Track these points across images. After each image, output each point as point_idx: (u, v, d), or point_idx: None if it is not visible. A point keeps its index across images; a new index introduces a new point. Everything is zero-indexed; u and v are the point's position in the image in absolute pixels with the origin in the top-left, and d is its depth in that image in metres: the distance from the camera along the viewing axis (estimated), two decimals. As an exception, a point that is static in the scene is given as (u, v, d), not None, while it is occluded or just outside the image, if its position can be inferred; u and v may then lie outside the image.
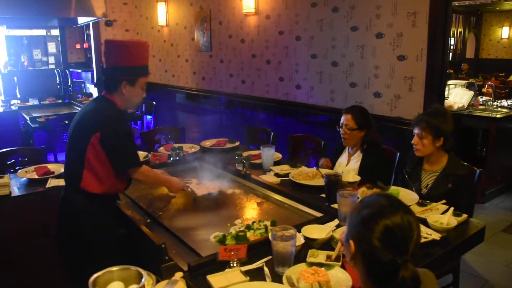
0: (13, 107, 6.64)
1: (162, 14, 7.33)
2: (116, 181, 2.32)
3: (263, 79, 5.45)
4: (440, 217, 2.05)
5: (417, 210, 2.22)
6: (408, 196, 2.40)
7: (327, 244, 1.89)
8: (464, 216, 2.13)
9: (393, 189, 2.41)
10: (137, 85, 2.33)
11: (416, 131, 2.61)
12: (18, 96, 10.68)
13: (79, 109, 5.92)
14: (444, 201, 2.31)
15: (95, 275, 1.32)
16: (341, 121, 3.05)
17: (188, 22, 6.79)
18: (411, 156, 2.77)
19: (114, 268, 1.36)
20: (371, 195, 1.33)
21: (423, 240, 1.86)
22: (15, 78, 12.02)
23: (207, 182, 2.84)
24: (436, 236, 1.91)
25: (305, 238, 1.87)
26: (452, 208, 2.13)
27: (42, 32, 15.40)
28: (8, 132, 6.12)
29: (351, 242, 1.21)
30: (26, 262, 2.74)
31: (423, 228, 1.97)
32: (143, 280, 1.30)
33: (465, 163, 2.62)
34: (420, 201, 2.33)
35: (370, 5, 3.98)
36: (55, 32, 13.69)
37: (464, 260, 3.51)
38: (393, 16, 3.81)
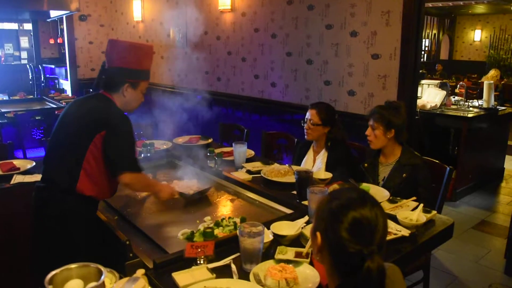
0: (-19, 103, 6.45)
1: (137, 10, 7.23)
2: (108, 185, 2.19)
3: (239, 76, 5.42)
4: (409, 214, 2.06)
5: (387, 207, 2.22)
6: (379, 193, 2.40)
7: (296, 241, 1.86)
8: (434, 212, 2.14)
9: (364, 186, 2.41)
10: (138, 89, 2.24)
11: (370, 122, 2.69)
12: (-12, 91, 10.41)
13: (61, 104, 5.82)
14: (414, 198, 2.32)
15: (52, 273, 1.27)
16: (306, 116, 3.05)
17: (164, 18, 6.71)
18: (368, 152, 2.84)
19: (73, 266, 1.31)
20: (340, 188, 1.31)
21: (392, 236, 1.87)
22: (-14, 73, 11.71)
23: (177, 181, 2.78)
24: (406, 232, 1.91)
25: (274, 234, 1.84)
26: (421, 205, 2.14)
27: (14, 26, 14.99)
28: (-24, 127, 5.94)
29: (318, 234, 1.20)
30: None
31: (393, 224, 1.97)
32: (102, 277, 1.25)
33: (418, 154, 2.69)
34: (390, 198, 2.33)
35: (345, 4, 3.99)
36: (28, 26, 13.35)
37: (434, 257, 3.56)
38: (367, 14, 3.82)
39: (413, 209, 2.16)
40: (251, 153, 3.31)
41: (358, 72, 3.99)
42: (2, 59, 14.42)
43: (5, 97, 7.13)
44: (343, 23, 4.05)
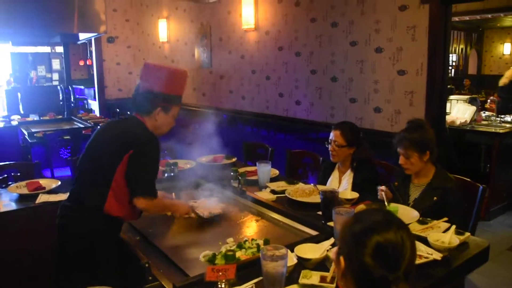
0: (13, 123, 6.61)
1: (163, 31, 7.35)
2: (135, 207, 2.16)
3: (263, 95, 5.40)
4: (441, 236, 1.96)
5: (417, 228, 2.13)
6: (408, 213, 2.30)
7: (321, 264, 1.79)
8: (467, 234, 2.03)
9: (392, 206, 2.32)
10: (170, 113, 2.24)
11: (400, 150, 2.55)
12: (22, 112, 10.70)
13: (88, 124, 5.93)
14: (445, 218, 2.22)
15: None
16: (330, 137, 2.96)
17: (189, 39, 6.80)
18: (398, 171, 2.72)
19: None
20: (364, 210, 1.25)
21: (423, 260, 1.77)
22: (19, 94, 12.08)
23: (201, 200, 2.74)
24: (437, 256, 1.81)
25: (298, 258, 1.78)
26: (454, 226, 2.03)
27: (46, 49, 15.51)
28: (8, 147, 6.09)
29: (341, 258, 1.14)
30: (12, 279, 2.65)
31: (423, 247, 1.88)
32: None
33: (452, 176, 2.56)
34: (420, 218, 2.23)
35: (369, 20, 3.95)
36: (60, 49, 13.79)
37: (468, 280, 3.39)
38: (393, 30, 3.76)
39: (445, 231, 2.06)
40: (276, 172, 3.25)
41: (384, 88, 3.92)
42: (35, 80, 14.88)
43: (36, 117, 7.29)
44: (368, 40, 4.00)
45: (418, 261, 1.76)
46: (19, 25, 4.61)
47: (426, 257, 1.80)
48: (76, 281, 2.02)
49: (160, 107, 2.20)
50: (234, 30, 5.73)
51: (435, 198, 2.45)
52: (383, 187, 2.52)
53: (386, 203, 2.48)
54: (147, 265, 1.68)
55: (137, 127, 2.19)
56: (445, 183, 2.48)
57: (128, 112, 5.51)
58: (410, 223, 2.17)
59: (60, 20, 5.03)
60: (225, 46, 5.96)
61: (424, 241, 1.94)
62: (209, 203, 2.57)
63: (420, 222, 2.21)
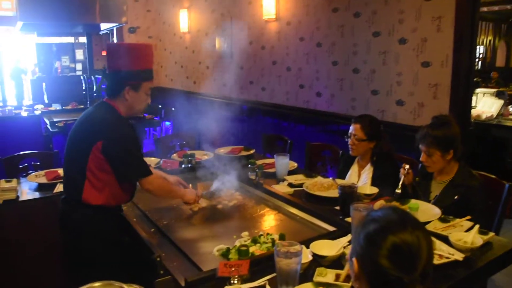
0: (36, 112, 6.71)
1: (184, 21, 7.32)
2: (119, 192, 2.19)
3: (283, 86, 5.33)
4: (463, 235, 1.87)
5: (438, 226, 2.05)
6: (429, 210, 2.23)
7: (338, 262, 1.74)
8: (491, 234, 1.95)
9: (412, 203, 2.24)
10: (141, 90, 2.20)
11: (422, 147, 2.45)
12: (46, 101, 10.87)
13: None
14: (468, 217, 2.13)
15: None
16: (350, 131, 2.88)
17: (210, 29, 6.75)
18: (420, 166, 2.62)
19: (96, 284, 1.25)
20: (379, 209, 1.20)
21: (444, 260, 1.70)
22: (44, 84, 12.27)
23: (218, 192, 2.71)
24: (459, 256, 1.74)
25: (314, 255, 1.73)
26: (477, 226, 1.95)
27: (70, 39, 15.71)
28: (31, 136, 6.19)
29: (355, 260, 1.09)
30: (29, 267, 2.68)
31: (444, 247, 1.80)
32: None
33: (476, 173, 2.44)
34: (442, 216, 2.15)
35: (393, 10, 3.83)
36: (83, 39, 13.91)
37: (492, 280, 3.29)
38: (417, 21, 3.64)
39: (468, 230, 1.98)
40: (294, 165, 3.20)
41: (407, 81, 3.81)
42: (59, 70, 15.10)
43: (58, 107, 7.38)
44: (391, 30, 3.88)
45: (438, 261, 1.70)
46: (44, 17, 4.67)
47: (447, 257, 1.72)
48: (84, 274, 2.05)
49: (128, 86, 2.17)
50: (255, 20, 5.66)
51: (456, 196, 2.35)
52: (407, 166, 2.44)
53: (400, 184, 2.39)
54: (158, 259, 1.66)
55: (104, 115, 2.16)
56: (468, 180, 2.37)
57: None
58: (431, 221, 2.09)
59: (82, 11, 5.07)
60: (245, 36, 5.90)
61: (446, 240, 1.86)
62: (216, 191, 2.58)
63: (441, 220, 2.13)
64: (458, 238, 1.85)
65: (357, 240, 1.10)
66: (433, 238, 1.86)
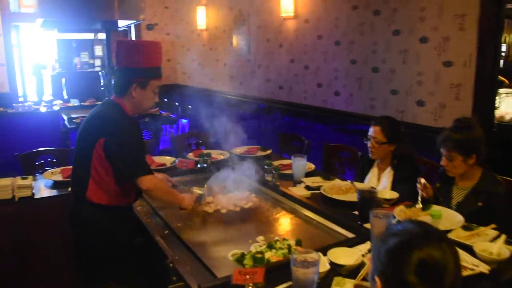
0: (55, 108, 6.76)
1: (201, 18, 7.29)
2: (122, 192, 2.17)
3: (301, 85, 5.27)
4: (489, 246, 1.79)
5: (462, 234, 1.97)
6: (451, 217, 2.15)
7: (356, 271, 1.68)
8: (518, 244, 1.86)
9: (434, 210, 2.16)
10: (148, 88, 2.18)
11: (443, 151, 2.35)
12: (66, 97, 10.98)
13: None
14: (493, 225, 2.04)
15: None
16: (369, 133, 2.81)
17: (227, 26, 6.71)
18: (441, 171, 2.52)
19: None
20: (399, 223, 1.14)
21: (468, 272, 1.63)
22: (63, 80, 12.39)
23: (233, 194, 2.67)
24: (484, 268, 1.66)
25: (331, 263, 1.68)
26: (504, 236, 1.87)
27: (90, 35, 15.80)
28: (49, 132, 6.25)
29: (377, 279, 1.03)
30: (43, 265, 2.69)
31: (468, 258, 1.73)
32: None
33: (501, 179, 2.33)
34: (465, 224, 2.07)
35: (414, 7, 3.73)
36: (102, 36, 13.99)
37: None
38: (439, 18, 3.54)
39: (493, 240, 1.89)
40: (311, 166, 3.14)
41: (428, 80, 3.71)
42: (78, 66, 15.24)
43: (76, 103, 7.44)
44: (412, 28, 3.78)
45: (462, 273, 1.62)
46: (63, 14, 4.72)
47: (471, 269, 1.65)
48: (94, 274, 2.04)
49: (135, 82, 2.14)
50: (273, 18, 5.60)
51: (480, 203, 2.25)
52: (422, 180, 2.36)
53: (419, 199, 2.33)
54: (171, 264, 1.62)
55: (108, 112, 2.15)
56: (492, 187, 2.27)
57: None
58: (453, 229, 2.02)
59: (101, 8, 5.09)
60: (263, 34, 5.84)
61: (470, 250, 1.78)
62: (230, 197, 2.51)
63: (465, 228, 2.04)
64: (483, 249, 1.77)
65: (378, 257, 1.04)
66: (457, 248, 1.80)
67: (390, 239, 1.03)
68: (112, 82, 2.23)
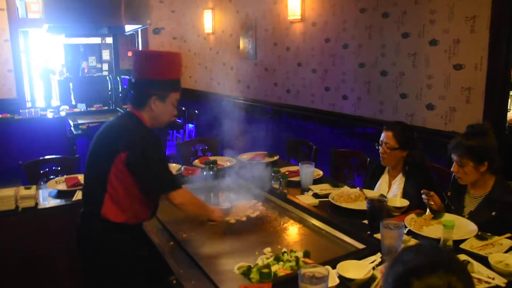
0: (61, 113, 6.76)
1: (208, 22, 7.27)
2: (140, 209, 2.08)
3: (308, 88, 5.21)
4: (505, 257, 1.73)
5: (475, 244, 1.91)
6: (464, 226, 2.08)
7: (367, 284, 1.62)
8: (536, 256, 1.79)
9: (447, 220, 2.09)
10: (167, 101, 2.08)
11: (454, 157, 2.29)
12: (73, 102, 11.00)
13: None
14: (508, 234, 1.98)
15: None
16: (381, 139, 2.73)
17: (234, 30, 6.67)
18: (453, 178, 2.45)
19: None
20: (411, 246, 1.08)
21: (484, 285, 1.57)
22: (71, 84, 12.44)
23: (240, 203, 2.61)
24: (501, 281, 1.59)
25: (340, 277, 1.62)
26: (519, 247, 1.80)
27: (97, 40, 15.90)
28: (55, 138, 6.24)
29: None
30: (46, 276, 2.66)
31: (484, 270, 1.67)
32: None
33: None
34: (479, 233, 2.01)
35: (424, 10, 3.66)
36: (109, 40, 14.04)
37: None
38: (449, 21, 3.47)
39: (508, 250, 1.83)
40: (319, 173, 3.08)
41: (439, 84, 3.64)
42: (86, 70, 15.32)
43: (83, 108, 7.44)
44: (422, 31, 3.72)
45: (477, 286, 1.56)
46: (69, 19, 4.72)
47: (487, 282, 1.59)
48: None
49: (155, 95, 2.05)
50: (280, 21, 5.55)
51: (493, 213, 2.17)
52: (431, 193, 2.30)
53: (427, 210, 2.26)
54: (174, 281, 1.58)
55: (129, 125, 2.05)
56: (506, 196, 2.19)
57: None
58: (467, 239, 1.95)
59: (107, 13, 5.08)
60: (270, 37, 5.80)
61: (485, 261, 1.72)
62: (244, 205, 2.44)
63: (478, 237, 1.98)
64: (499, 260, 1.70)
65: (386, 282, 1.00)
66: (471, 260, 1.74)
67: (397, 266, 0.99)
68: (129, 94, 2.14)
